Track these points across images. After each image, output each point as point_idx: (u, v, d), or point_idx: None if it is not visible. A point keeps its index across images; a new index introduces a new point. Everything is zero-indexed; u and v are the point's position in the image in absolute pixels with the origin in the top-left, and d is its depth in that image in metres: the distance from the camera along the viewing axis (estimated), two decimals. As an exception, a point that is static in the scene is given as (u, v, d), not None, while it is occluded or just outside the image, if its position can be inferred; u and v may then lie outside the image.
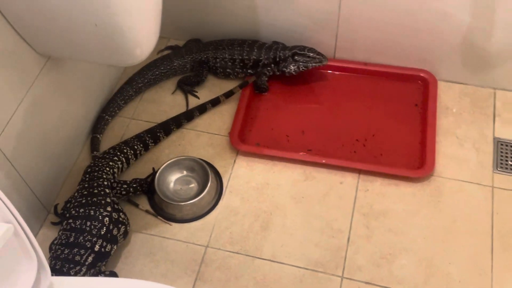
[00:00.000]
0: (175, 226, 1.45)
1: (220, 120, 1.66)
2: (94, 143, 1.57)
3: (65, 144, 1.51)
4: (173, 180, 1.51)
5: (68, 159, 1.54)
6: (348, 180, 1.51)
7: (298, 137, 1.60)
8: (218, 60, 1.68)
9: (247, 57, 1.66)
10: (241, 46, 1.67)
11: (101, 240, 1.25)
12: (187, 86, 1.71)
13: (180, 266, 1.38)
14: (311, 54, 1.62)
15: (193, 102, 1.70)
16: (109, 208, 1.29)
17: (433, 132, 1.55)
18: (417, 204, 1.46)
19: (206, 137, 1.62)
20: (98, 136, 1.58)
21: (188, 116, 1.63)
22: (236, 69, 1.69)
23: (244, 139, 1.59)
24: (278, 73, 1.67)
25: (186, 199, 1.46)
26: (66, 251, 1.23)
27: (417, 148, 1.55)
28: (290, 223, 1.44)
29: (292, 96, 1.70)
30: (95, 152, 1.54)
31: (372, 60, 1.71)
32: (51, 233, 1.43)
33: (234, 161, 1.57)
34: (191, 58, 1.71)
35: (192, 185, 1.51)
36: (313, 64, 1.63)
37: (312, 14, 1.62)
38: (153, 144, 1.57)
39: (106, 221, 1.27)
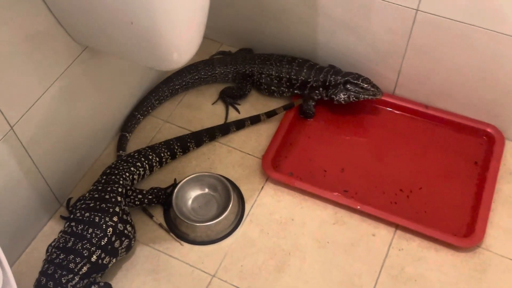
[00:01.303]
0: (186, 246, 1.35)
1: (256, 139, 1.54)
2: (121, 142, 1.49)
3: (90, 138, 1.44)
4: (193, 196, 1.41)
5: (91, 153, 1.47)
6: (382, 233, 1.35)
7: (336, 174, 1.45)
8: (263, 76, 1.56)
9: (294, 76, 1.53)
10: (290, 64, 1.54)
11: (99, 250, 1.16)
12: (229, 98, 1.60)
13: (180, 292, 1.27)
14: (365, 85, 1.47)
15: (232, 115, 1.59)
16: (115, 218, 1.20)
17: (490, 197, 1.36)
18: (456, 277, 1.28)
19: (238, 155, 1.51)
20: (127, 135, 1.50)
21: (224, 129, 1.53)
22: (282, 88, 1.56)
23: (277, 166, 1.46)
24: (326, 99, 1.53)
25: (202, 220, 1.35)
26: (61, 256, 1.14)
27: (468, 212, 1.37)
28: (308, 268, 1.30)
29: (338, 127, 1.55)
30: (121, 152, 1.46)
31: (435, 104, 1.54)
32: (58, 227, 1.37)
33: (262, 187, 1.44)
34: (234, 68, 1.60)
35: (211, 205, 1.40)
36: (365, 96, 1.48)
37: (377, 44, 1.47)
38: (181, 153, 1.48)
39: (109, 232, 1.18)
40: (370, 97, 1.48)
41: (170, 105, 1.63)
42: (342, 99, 1.49)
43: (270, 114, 1.55)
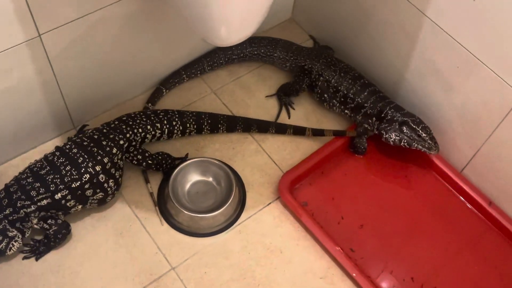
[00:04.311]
0: (164, 226, 1.25)
1: (290, 152, 1.38)
2: (154, 95, 1.40)
3: (127, 78, 1.36)
4: (194, 180, 1.30)
5: (123, 93, 1.40)
6: (366, 315, 1.16)
7: (352, 228, 1.27)
8: (321, 79, 1.39)
9: (352, 96, 1.34)
10: (353, 81, 1.35)
11: (67, 191, 1.10)
12: (286, 97, 1.45)
13: (134, 268, 1.18)
14: (423, 134, 1.26)
15: (282, 117, 1.44)
16: (98, 168, 1.12)
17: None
18: None
19: (263, 159, 1.37)
20: (164, 90, 1.41)
21: (262, 126, 1.39)
22: (334, 101, 1.38)
23: (296, 189, 1.31)
24: (375, 132, 1.34)
25: (190, 208, 1.24)
26: (29, 180, 1.09)
27: None
28: (269, 310, 1.16)
29: (381, 178, 1.36)
30: (149, 104, 1.38)
31: (500, 203, 1.29)
32: (60, 148, 1.32)
33: (269, 203, 1.30)
34: (294, 58, 1.44)
35: (209, 197, 1.28)
36: (419, 147, 1.28)
37: (466, 110, 1.24)
38: (208, 131, 1.36)
39: (85, 178, 1.11)
40: (423, 150, 1.28)
41: (226, 78, 1.51)
42: (392, 139, 1.29)
43: (317, 133, 1.38)
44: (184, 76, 1.43)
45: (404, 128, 1.27)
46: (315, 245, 1.24)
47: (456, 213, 1.31)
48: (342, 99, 1.36)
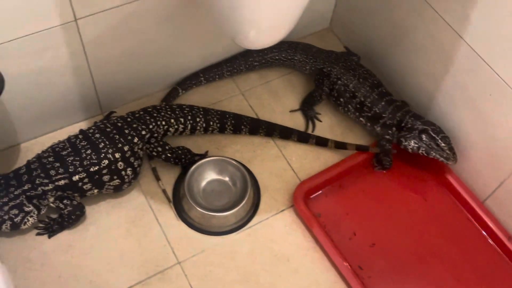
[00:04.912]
0: (175, 221, 1.25)
1: (310, 161, 1.37)
2: (170, 95, 1.41)
3: (157, 70, 1.38)
4: (210, 178, 1.30)
5: (152, 84, 1.42)
6: (366, 335, 1.14)
7: (363, 245, 1.25)
8: (339, 82, 1.37)
9: (369, 104, 1.33)
10: (371, 88, 1.33)
11: (84, 174, 1.12)
12: (311, 111, 1.44)
13: (141, 257, 1.20)
14: (442, 144, 1.25)
15: (297, 121, 1.43)
16: (117, 155, 1.14)
17: None
18: None
19: (282, 165, 1.36)
20: (180, 90, 1.42)
21: (285, 133, 1.38)
22: (350, 106, 1.37)
23: (311, 200, 1.30)
24: (394, 141, 1.32)
25: (202, 205, 1.24)
26: (50, 159, 1.12)
27: None
28: (269, 317, 1.15)
29: (400, 199, 1.33)
30: (164, 103, 1.39)
31: (521, 240, 1.25)
32: (86, 131, 1.35)
33: (282, 210, 1.29)
34: (313, 61, 1.43)
35: (223, 196, 1.29)
36: (437, 156, 1.26)
37: (492, 141, 1.20)
38: (231, 131, 1.37)
39: (104, 163, 1.13)
40: (441, 159, 1.26)
41: (256, 81, 1.51)
42: (411, 147, 1.28)
43: (339, 145, 1.37)
44: (202, 78, 1.43)
45: (424, 136, 1.26)
46: (323, 257, 1.23)
47: (473, 243, 1.28)
48: (358, 106, 1.35)
